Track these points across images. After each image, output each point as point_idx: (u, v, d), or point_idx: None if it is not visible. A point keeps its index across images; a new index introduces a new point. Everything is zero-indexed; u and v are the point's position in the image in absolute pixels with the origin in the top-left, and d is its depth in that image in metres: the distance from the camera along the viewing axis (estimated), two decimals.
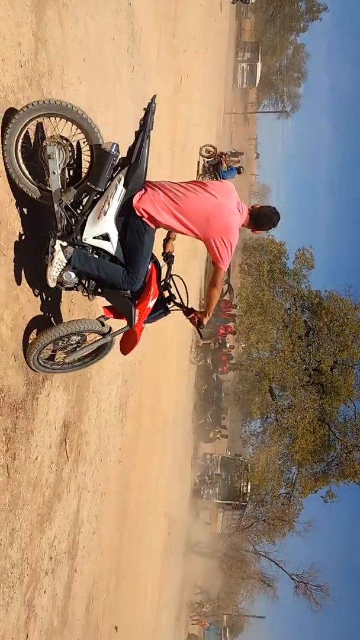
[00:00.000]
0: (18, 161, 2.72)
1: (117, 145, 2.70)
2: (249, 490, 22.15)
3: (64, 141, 2.74)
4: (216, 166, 14.40)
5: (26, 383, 3.18)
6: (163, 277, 3.26)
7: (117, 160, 2.77)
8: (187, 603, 22.95)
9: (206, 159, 14.47)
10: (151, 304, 3.13)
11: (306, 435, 19.41)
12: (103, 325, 3.18)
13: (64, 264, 2.82)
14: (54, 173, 2.69)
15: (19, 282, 2.99)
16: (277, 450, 20.19)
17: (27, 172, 2.79)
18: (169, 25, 8.08)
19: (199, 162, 14.46)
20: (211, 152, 14.43)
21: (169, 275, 3.28)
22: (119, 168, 2.80)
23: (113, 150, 2.67)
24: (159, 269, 3.22)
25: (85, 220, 2.82)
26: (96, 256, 2.92)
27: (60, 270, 2.82)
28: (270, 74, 53.25)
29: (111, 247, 2.88)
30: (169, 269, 3.31)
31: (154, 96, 2.87)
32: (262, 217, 3.27)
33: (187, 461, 18.07)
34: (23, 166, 2.76)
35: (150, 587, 10.20)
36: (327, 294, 21.25)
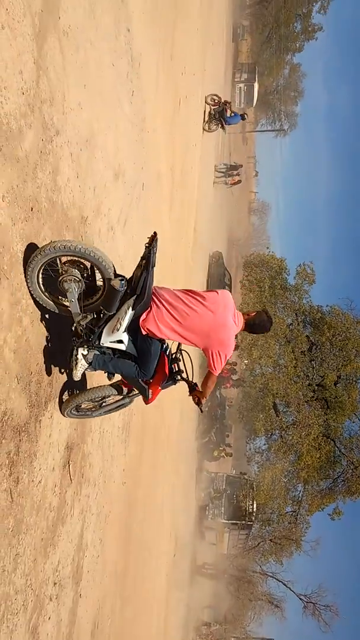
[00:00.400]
0: (40, 287, 3.15)
1: (125, 282, 3.09)
2: (255, 510, 21.84)
3: (79, 276, 3.16)
4: (221, 113, 15.46)
5: (29, 405, 3.18)
6: (173, 350, 3.69)
7: (125, 289, 3.13)
8: (194, 626, 22.45)
9: (212, 107, 15.47)
10: (162, 385, 3.67)
11: (311, 451, 19.21)
12: (122, 391, 3.85)
13: (86, 367, 3.38)
14: (72, 301, 3.15)
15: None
16: (283, 468, 19.95)
17: (47, 294, 3.24)
18: (167, 49, 8.25)
19: (205, 110, 15.32)
20: (216, 101, 15.48)
21: (178, 350, 3.68)
22: (128, 292, 3.19)
23: (121, 287, 3.06)
24: (168, 352, 3.62)
25: (101, 332, 3.31)
26: (112, 355, 3.45)
27: (83, 370, 3.39)
28: (267, 93, 54.10)
29: (124, 347, 3.39)
30: (179, 344, 3.66)
31: (155, 234, 3.17)
32: (256, 326, 3.69)
33: (191, 480, 17.88)
34: (44, 291, 3.20)
35: (157, 611, 10.00)
36: (328, 308, 21.25)
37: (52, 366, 3.54)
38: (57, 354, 3.53)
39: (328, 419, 19.68)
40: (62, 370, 3.72)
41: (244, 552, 24.36)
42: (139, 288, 3.15)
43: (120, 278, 3.10)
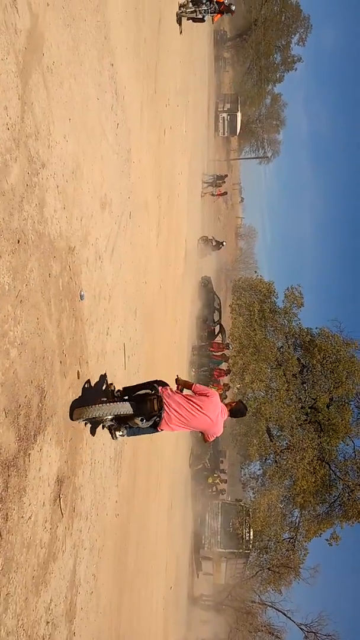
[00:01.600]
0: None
1: (144, 420, 4.62)
2: (251, 537, 21.43)
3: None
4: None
5: (17, 439, 3.12)
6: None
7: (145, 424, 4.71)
8: None
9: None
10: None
11: (307, 476, 19.04)
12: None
13: (124, 436, 4.93)
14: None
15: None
16: (278, 493, 19.71)
17: None
18: (151, 82, 8.46)
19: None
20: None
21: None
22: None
23: (143, 424, 4.65)
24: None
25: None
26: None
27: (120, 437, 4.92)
28: (250, 122, 55.52)
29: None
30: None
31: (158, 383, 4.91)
32: (237, 412, 5.25)
33: (186, 509, 17.55)
34: None
35: None
36: (318, 330, 21.42)
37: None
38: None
39: (322, 442, 19.59)
40: (50, 402, 3.68)
41: (242, 582, 23.79)
42: (155, 422, 4.63)
43: (141, 418, 4.58)
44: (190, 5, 11.92)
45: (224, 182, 24.70)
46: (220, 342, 20.86)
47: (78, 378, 4.40)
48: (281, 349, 20.70)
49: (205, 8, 11.89)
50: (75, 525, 4.36)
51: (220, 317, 19.99)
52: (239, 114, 44.97)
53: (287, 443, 19.63)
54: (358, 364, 20.53)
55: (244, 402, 5.78)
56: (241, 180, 68.56)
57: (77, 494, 4.38)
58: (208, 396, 4.86)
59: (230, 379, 19.62)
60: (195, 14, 12.03)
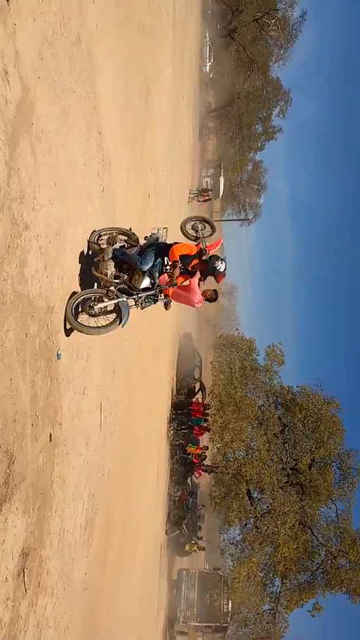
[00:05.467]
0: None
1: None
2: (230, 609, 20.25)
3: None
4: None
5: None
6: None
7: None
8: None
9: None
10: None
11: (288, 542, 18.33)
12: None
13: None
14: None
15: None
16: (258, 561, 18.85)
17: None
18: (137, 149, 8.81)
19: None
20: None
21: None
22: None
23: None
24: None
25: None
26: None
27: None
28: (232, 186, 57.81)
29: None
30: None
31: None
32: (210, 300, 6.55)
33: (161, 579, 16.64)
34: None
35: None
36: (299, 389, 21.36)
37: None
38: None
39: (304, 505, 19.04)
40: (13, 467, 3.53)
41: None
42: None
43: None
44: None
45: (209, 194, 28.54)
46: (200, 399, 20.62)
47: (50, 441, 4.25)
48: (262, 407, 20.49)
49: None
50: (39, 602, 4.07)
51: (200, 374, 19.87)
52: (221, 179, 46.93)
53: (267, 507, 18.98)
54: (339, 423, 20.38)
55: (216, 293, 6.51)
56: (223, 241, 70.45)
57: (44, 567, 4.12)
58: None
59: (210, 437, 19.23)
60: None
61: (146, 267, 5.38)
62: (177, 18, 15.92)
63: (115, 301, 5.09)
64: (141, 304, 5.44)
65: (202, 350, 26.87)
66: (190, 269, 5.90)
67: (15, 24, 3.35)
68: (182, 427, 18.29)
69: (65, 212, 4.56)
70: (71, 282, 4.82)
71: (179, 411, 18.52)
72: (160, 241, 5.84)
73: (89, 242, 5.32)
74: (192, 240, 7.81)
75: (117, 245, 5.47)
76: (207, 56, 44.76)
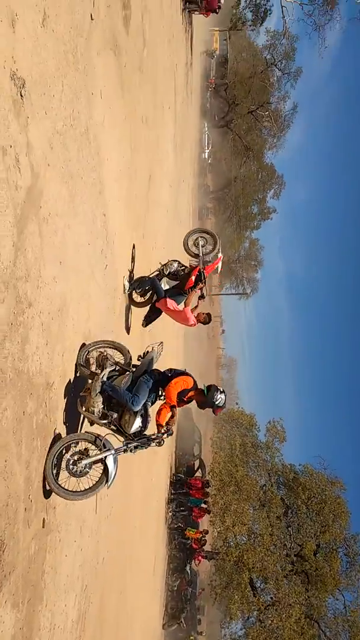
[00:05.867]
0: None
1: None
2: None
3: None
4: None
5: None
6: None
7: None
8: None
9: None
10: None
11: (294, 637, 16.90)
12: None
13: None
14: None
15: None
16: None
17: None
18: (140, 229, 9.15)
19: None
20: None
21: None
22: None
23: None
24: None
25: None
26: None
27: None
28: (230, 262, 59.54)
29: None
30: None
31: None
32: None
33: None
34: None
35: None
36: (301, 467, 20.69)
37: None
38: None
39: (310, 596, 17.77)
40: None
41: None
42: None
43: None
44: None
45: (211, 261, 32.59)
46: (200, 477, 19.87)
47: (43, 527, 4.02)
48: (264, 487, 19.71)
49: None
50: None
51: (200, 451, 19.28)
52: (220, 255, 48.44)
53: (272, 598, 17.67)
54: (344, 505, 19.52)
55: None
56: (222, 314, 71.51)
57: None
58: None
59: (210, 520, 18.30)
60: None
61: (138, 407, 4.87)
62: (178, 110, 17.16)
63: (102, 456, 4.46)
64: (131, 450, 4.85)
65: (202, 425, 26.32)
66: (186, 399, 5.49)
67: (28, 117, 3.58)
68: (181, 508, 17.46)
69: (68, 289, 4.63)
70: (71, 358, 4.79)
71: (178, 491, 17.76)
72: (155, 361, 5.43)
73: (77, 364, 4.86)
74: (192, 257, 8.16)
75: (105, 374, 4.91)
76: (206, 144, 47.83)
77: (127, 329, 7.98)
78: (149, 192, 10.30)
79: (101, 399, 4.72)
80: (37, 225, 3.78)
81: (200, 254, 8.02)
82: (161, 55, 11.47)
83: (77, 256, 4.94)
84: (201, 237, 8.29)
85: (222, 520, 17.46)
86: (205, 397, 5.39)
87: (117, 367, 5.14)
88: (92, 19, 5.18)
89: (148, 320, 8.05)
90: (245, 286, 59.06)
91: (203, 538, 18.13)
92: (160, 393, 5.26)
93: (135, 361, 5.50)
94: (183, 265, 8.06)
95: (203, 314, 7.74)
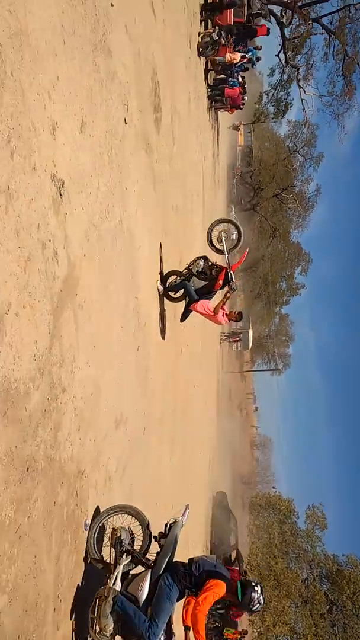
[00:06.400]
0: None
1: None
2: None
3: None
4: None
5: None
6: None
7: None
8: None
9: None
10: None
11: None
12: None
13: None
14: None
15: None
16: None
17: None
18: (171, 310, 9.32)
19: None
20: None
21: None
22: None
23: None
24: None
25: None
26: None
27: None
28: (261, 338, 59.53)
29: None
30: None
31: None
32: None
33: None
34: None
35: None
36: (345, 558, 19.10)
37: None
38: None
39: None
40: None
41: None
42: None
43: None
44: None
45: (239, 336, 33.85)
46: (238, 569, 18.51)
47: (73, 629, 3.76)
48: (306, 582, 18.17)
49: None
50: None
51: (236, 541, 18.11)
52: (250, 331, 48.60)
53: None
54: None
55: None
56: (255, 390, 70.25)
57: None
58: None
59: (249, 619, 16.77)
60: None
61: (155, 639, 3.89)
62: (206, 198, 18.05)
63: None
64: None
65: (237, 511, 24.99)
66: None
67: (66, 213, 3.82)
68: (218, 606, 16.12)
69: (101, 372, 4.67)
70: (102, 444, 4.72)
71: None
72: (180, 528, 4.55)
73: (90, 558, 4.20)
74: (216, 252, 8.18)
75: (117, 581, 4.06)
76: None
77: (162, 332, 8.23)
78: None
79: (112, 620, 3.81)
80: (73, 312, 3.90)
81: (225, 253, 8.02)
82: (190, 150, 12.29)
83: (110, 339, 5.03)
84: (224, 231, 8.28)
85: (262, 620, 15.97)
86: (239, 600, 4.44)
87: (134, 557, 4.21)
88: (125, 123, 5.65)
89: (184, 317, 8.60)
90: (277, 362, 58.42)
91: (242, 639, 16.51)
92: (186, 593, 4.26)
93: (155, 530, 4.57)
94: (209, 262, 8.02)
95: (234, 312, 8.09)
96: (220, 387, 27.97)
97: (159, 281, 7.88)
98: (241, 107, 19.12)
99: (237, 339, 37.40)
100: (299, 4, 27.26)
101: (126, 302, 5.69)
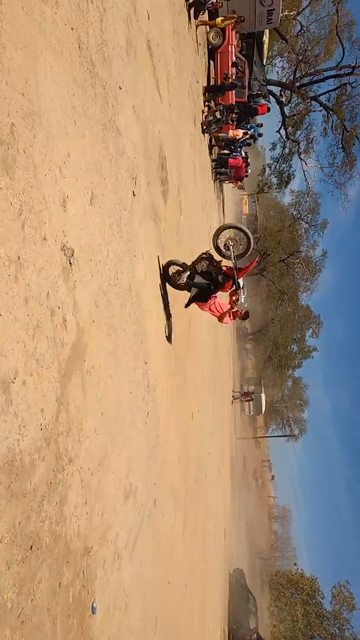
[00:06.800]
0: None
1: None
2: None
3: None
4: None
5: None
6: None
7: None
8: None
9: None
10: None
11: None
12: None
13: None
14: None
15: None
16: None
17: None
18: (180, 375, 9.24)
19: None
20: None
21: None
22: None
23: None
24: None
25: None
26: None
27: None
28: (274, 402, 58.46)
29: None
30: None
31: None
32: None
33: None
34: None
35: None
36: None
37: None
38: None
39: None
40: None
41: None
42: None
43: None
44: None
45: (251, 396, 35.76)
46: None
47: None
48: None
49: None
50: None
51: (256, 624, 16.75)
52: (263, 395, 47.81)
53: None
54: None
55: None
56: (270, 457, 67.94)
57: None
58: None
59: None
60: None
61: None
62: None
63: None
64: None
65: (256, 590, 23.33)
66: None
67: (75, 281, 3.88)
68: None
69: (109, 440, 4.54)
70: (111, 517, 4.50)
71: None
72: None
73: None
74: (222, 257, 7.74)
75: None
76: (242, 290, 50.36)
77: (172, 397, 8.00)
78: (189, 336, 10.60)
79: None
80: (81, 378, 3.85)
81: (233, 260, 7.38)
82: (196, 220, 12.70)
83: (119, 406, 4.93)
84: (231, 239, 7.78)
85: None
86: None
87: None
88: (134, 195, 5.87)
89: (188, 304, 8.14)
90: (293, 427, 56.93)
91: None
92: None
93: None
94: (215, 262, 7.59)
95: (241, 311, 7.82)
96: (233, 453, 27.11)
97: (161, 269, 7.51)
98: (244, 177, 19.99)
99: (249, 398, 37.40)
100: (297, 84, 29.20)
101: (135, 367, 5.64)
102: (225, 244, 7.59)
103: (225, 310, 7.67)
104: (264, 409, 47.83)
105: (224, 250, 7.63)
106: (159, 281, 7.30)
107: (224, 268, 7.53)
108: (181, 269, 7.63)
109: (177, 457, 8.58)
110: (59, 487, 3.34)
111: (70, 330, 3.71)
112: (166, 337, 7.82)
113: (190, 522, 9.76)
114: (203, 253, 7.70)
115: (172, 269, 7.68)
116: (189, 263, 7.70)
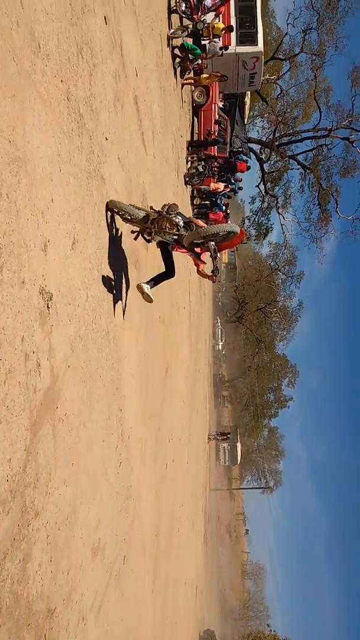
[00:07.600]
0: None
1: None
2: None
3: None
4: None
5: None
6: None
7: None
8: None
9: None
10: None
11: None
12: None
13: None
14: None
15: None
16: None
17: None
18: (156, 421, 9.06)
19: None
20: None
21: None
22: None
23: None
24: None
25: None
26: None
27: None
28: (250, 452, 57.69)
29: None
30: None
31: None
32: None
33: None
34: None
35: None
36: None
37: None
38: None
39: None
40: None
41: None
42: None
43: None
44: None
45: (228, 436, 37.19)
46: None
47: None
48: None
49: None
50: None
51: None
52: (238, 444, 47.20)
53: None
54: None
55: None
56: (244, 510, 66.29)
57: None
58: None
59: None
60: None
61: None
62: (192, 309, 18.57)
63: None
64: None
65: None
66: None
67: (52, 325, 3.81)
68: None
69: (79, 492, 4.34)
70: (77, 576, 4.24)
71: None
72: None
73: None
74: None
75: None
76: (219, 337, 50.72)
77: (146, 446, 7.48)
78: (165, 384, 10.49)
79: None
80: (52, 426, 3.72)
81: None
82: (177, 269, 12.87)
83: (91, 455, 4.76)
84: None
85: None
86: None
87: None
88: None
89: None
90: (268, 478, 55.99)
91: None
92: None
93: None
94: (191, 224, 6.96)
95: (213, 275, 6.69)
96: (207, 506, 26.36)
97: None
98: None
99: (225, 437, 37.74)
100: (276, 143, 30.65)
101: (109, 414, 5.50)
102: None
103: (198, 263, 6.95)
104: (239, 459, 47.08)
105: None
106: (136, 322, 7.20)
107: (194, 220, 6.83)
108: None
109: (149, 509, 8.27)
110: (23, 544, 3.14)
111: (44, 375, 3.61)
112: (140, 383, 7.72)
113: (160, 580, 9.31)
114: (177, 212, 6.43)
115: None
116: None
